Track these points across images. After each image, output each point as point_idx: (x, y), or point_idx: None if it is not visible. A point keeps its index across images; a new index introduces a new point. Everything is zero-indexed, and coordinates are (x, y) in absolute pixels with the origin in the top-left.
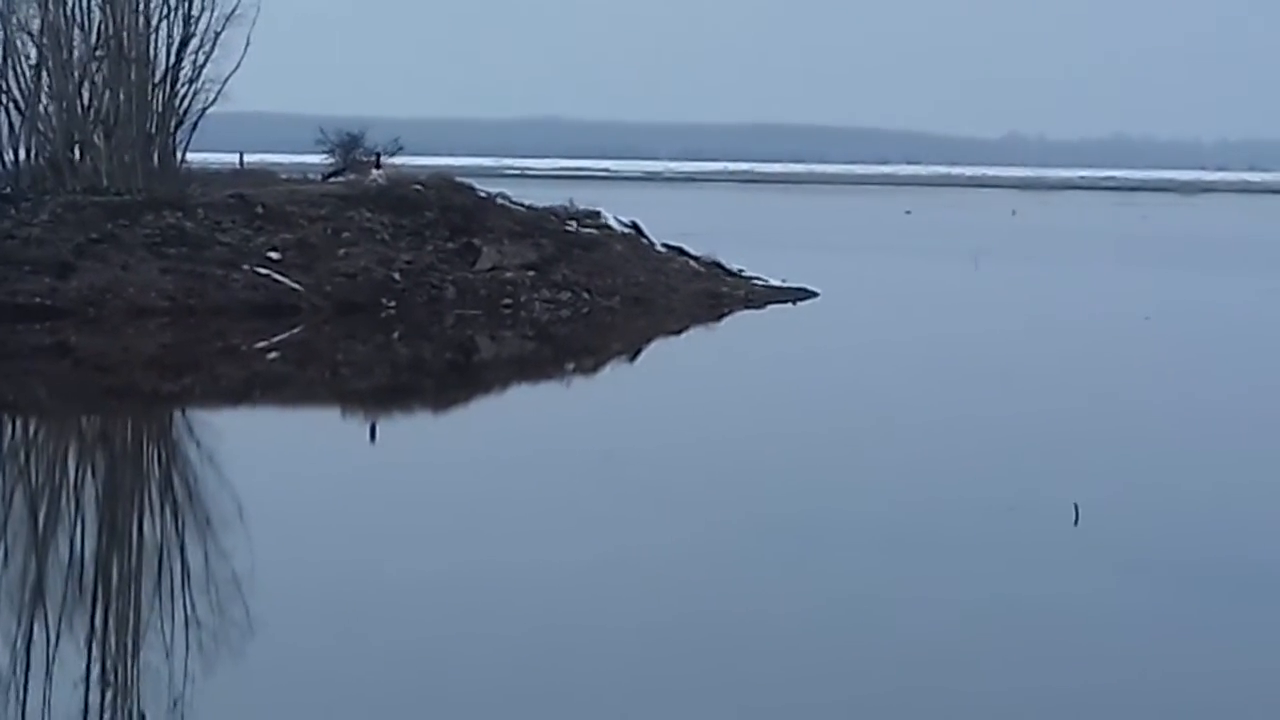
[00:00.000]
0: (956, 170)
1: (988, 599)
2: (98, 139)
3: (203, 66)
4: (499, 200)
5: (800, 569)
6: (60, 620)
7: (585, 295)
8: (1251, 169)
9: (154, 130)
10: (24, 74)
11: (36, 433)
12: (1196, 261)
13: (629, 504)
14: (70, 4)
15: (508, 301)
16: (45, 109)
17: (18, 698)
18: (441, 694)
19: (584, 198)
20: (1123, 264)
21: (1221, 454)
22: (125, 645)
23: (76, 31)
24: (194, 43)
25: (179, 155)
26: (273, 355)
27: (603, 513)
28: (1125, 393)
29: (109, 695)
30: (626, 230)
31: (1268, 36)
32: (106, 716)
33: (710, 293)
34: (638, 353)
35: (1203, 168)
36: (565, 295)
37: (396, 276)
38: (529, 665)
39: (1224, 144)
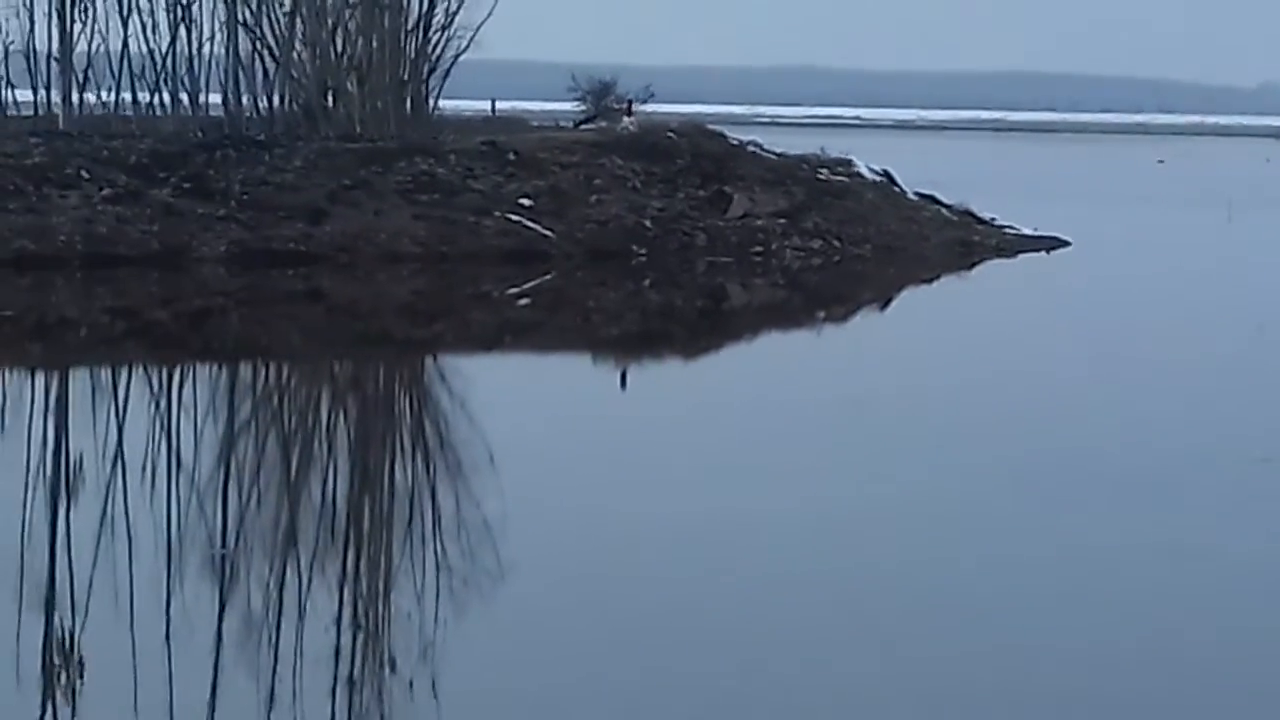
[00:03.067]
0: (1210, 119)
1: None
2: (351, 86)
3: (455, 14)
4: (750, 148)
5: (1038, 527)
6: (312, 564)
7: (836, 243)
8: None
9: (406, 77)
10: (278, 21)
11: (290, 378)
12: None
13: (862, 453)
14: None
15: (758, 249)
16: (299, 56)
17: (270, 640)
18: (684, 625)
19: (835, 145)
20: None
21: None
22: (376, 590)
23: None
24: None
25: (431, 102)
26: (524, 302)
27: (835, 462)
28: None
29: (360, 639)
30: (878, 178)
31: None
32: (357, 660)
33: (962, 241)
34: (889, 301)
35: None
36: (816, 243)
37: (647, 224)
38: (768, 609)
39: None
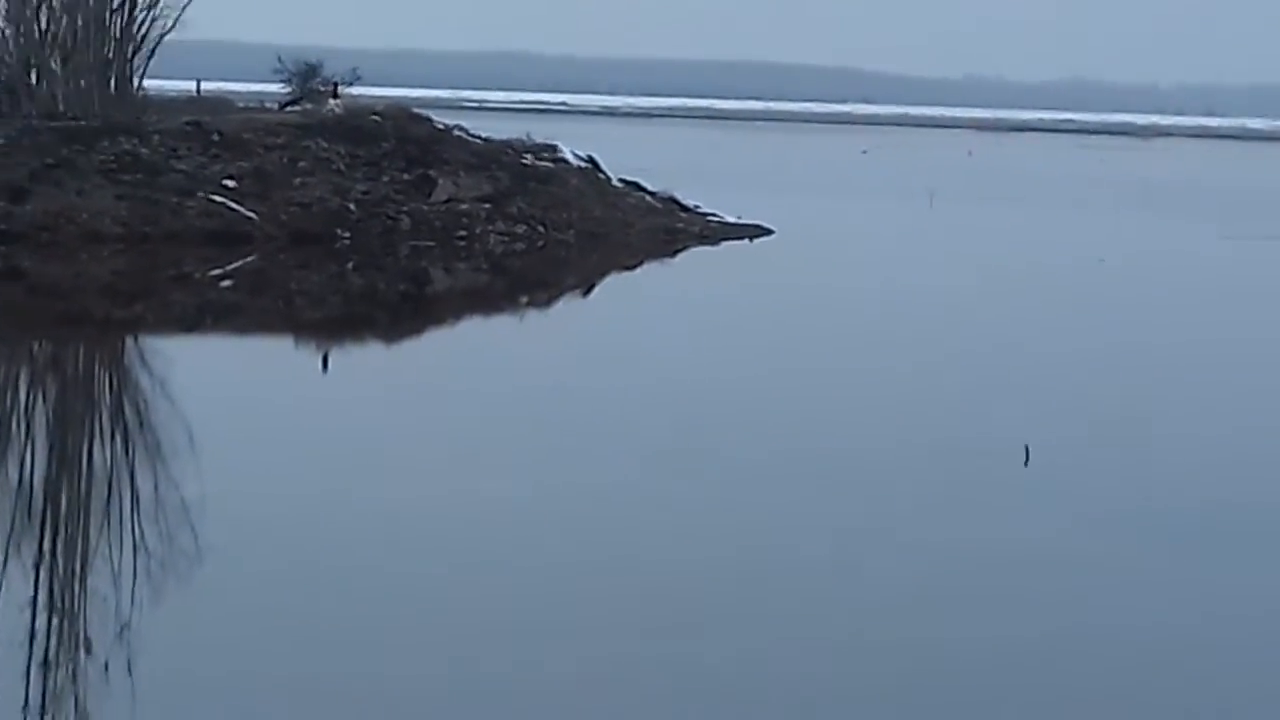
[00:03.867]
0: (914, 110)
1: (950, 540)
2: (54, 64)
3: None
4: (456, 132)
5: (740, 509)
6: (7, 545)
7: (540, 229)
8: (1209, 114)
9: (111, 56)
10: None
11: None
12: (1151, 205)
13: (555, 440)
14: None
15: (463, 234)
16: (2, 33)
17: None
18: (379, 613)
19: (541, 131)
20: (1077, 207)
21: (1192, 392)
22: (72, 571)
23: None
24: None
25: (136, 82)
26: (226, 283)
27: (527, 447)
28: (1083, 335)
29: (55, 620)
30: (583, 165)
31: None
32: (53, 642)
33: (666, 228)
34: (591, 287)
35: (1160, 112)
36: (520, 228)
37: (352, 207)
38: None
39: (1182, 88)
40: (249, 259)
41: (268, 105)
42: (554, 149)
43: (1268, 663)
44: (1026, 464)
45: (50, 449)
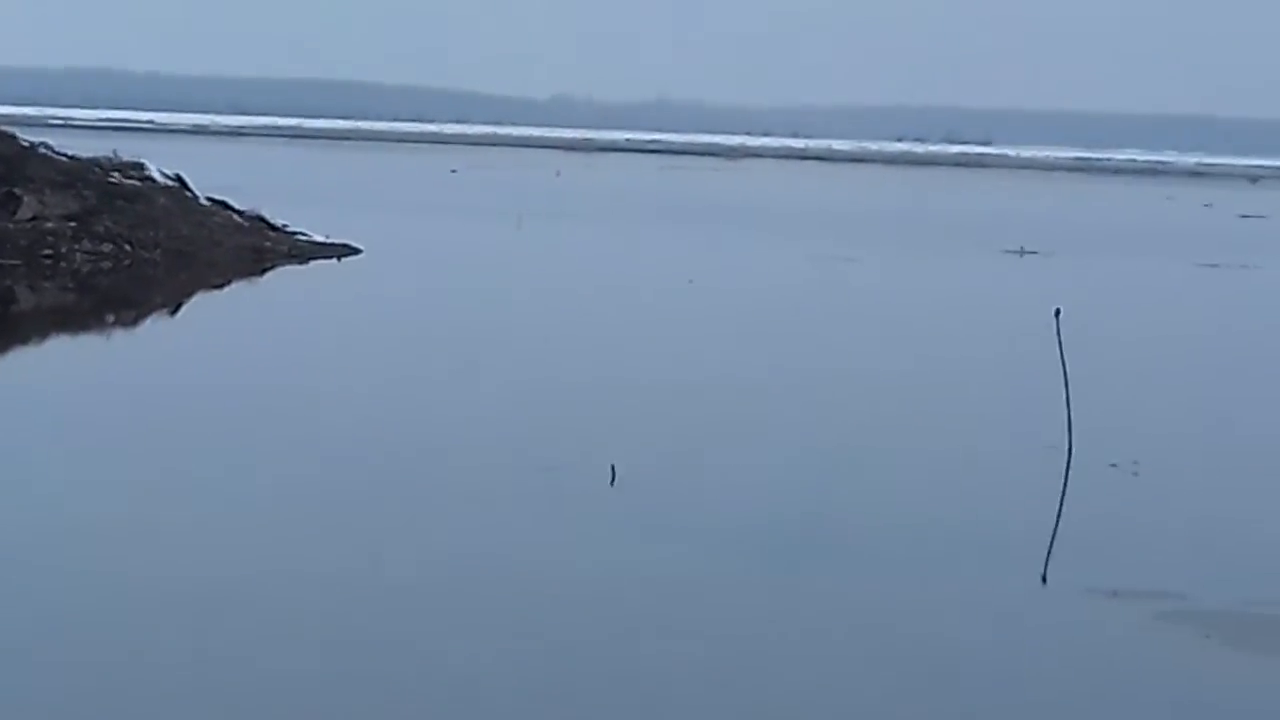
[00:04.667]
0: (503, 130)
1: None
2: None
3: None
4: (41, 149)
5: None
6: None
7: (127, 247)
8: (795, 135)
9: None
10: None
11: None
12: (739, 226)
13: (152, 455)
14: None
15: (48, 252)
16: None
17: None
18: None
19: (128, 149)
20: (666, 228)
21: (780, 411)
22: None
23: None
24: None
25: None
26: None
27: (122, 465)
28: (691, 356)
29: None
30: (170, 183)
31: (813, 5)
32: None
33: (254, 247)
34: (179, 306)
35: (748, 133)
36: (107, 247)
37: None
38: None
39: (768, 110)
40: None
41: None
42: (141, 167)
43: (858, 673)
44: (613, 483)
45: None
